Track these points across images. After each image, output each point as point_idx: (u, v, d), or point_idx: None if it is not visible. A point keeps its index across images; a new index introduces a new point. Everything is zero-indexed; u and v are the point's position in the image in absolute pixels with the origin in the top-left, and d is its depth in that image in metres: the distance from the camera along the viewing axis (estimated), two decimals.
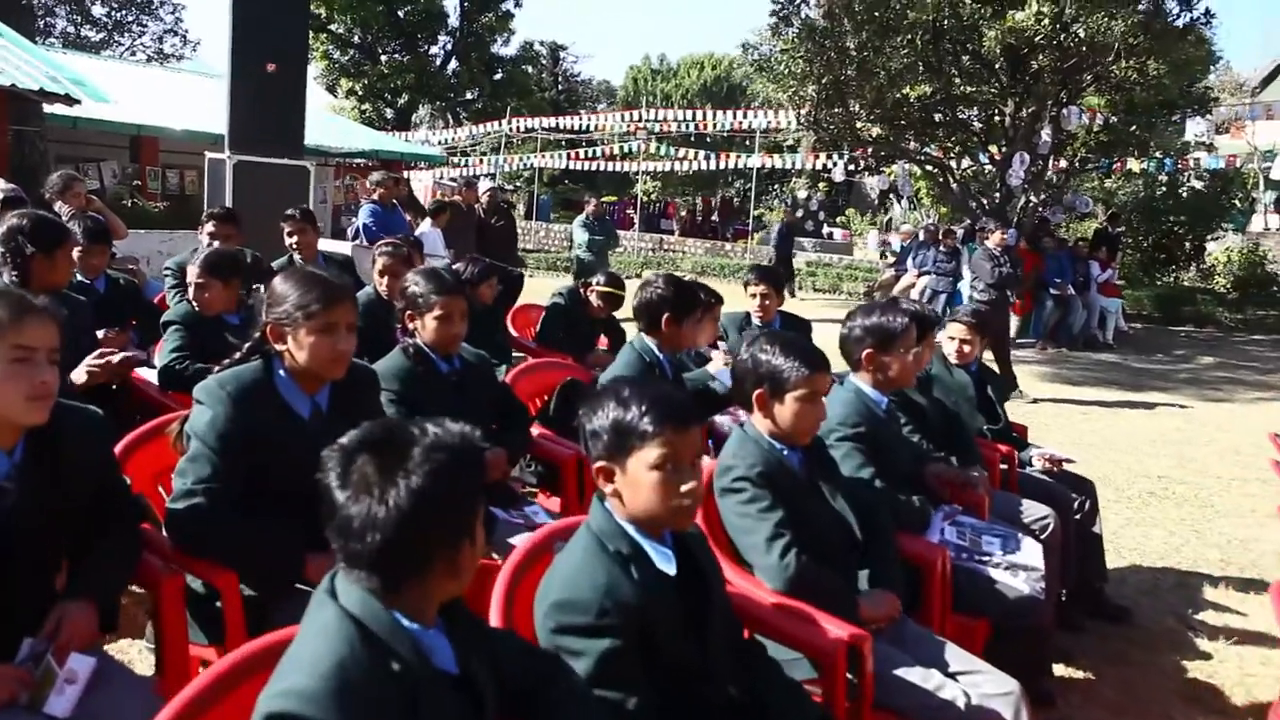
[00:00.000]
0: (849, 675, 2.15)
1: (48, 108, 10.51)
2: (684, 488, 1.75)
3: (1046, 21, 11.75)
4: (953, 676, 2.31)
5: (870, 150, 14.93)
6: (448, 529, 1.38)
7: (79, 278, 4.41)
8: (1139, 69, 12.32)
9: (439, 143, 26.49)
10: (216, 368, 2.48)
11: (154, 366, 3.89)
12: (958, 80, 13.71)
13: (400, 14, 33.29)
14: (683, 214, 31.59)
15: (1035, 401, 9.01)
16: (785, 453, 2.47)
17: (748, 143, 24.03)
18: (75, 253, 4.13)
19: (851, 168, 16.67)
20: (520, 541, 2.21)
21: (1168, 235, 19.01)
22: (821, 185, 25.90)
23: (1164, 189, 18.41)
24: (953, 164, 14.85)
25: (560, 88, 40.84)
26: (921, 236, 14.31)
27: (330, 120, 20.26)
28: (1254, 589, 4.51)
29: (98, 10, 35.18)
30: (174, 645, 2.18)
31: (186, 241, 8.90)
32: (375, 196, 8.95)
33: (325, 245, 6.91)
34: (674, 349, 3.70)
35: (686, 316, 3.65)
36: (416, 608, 1.40)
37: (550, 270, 19.21)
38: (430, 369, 3.13)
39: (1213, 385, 10.65)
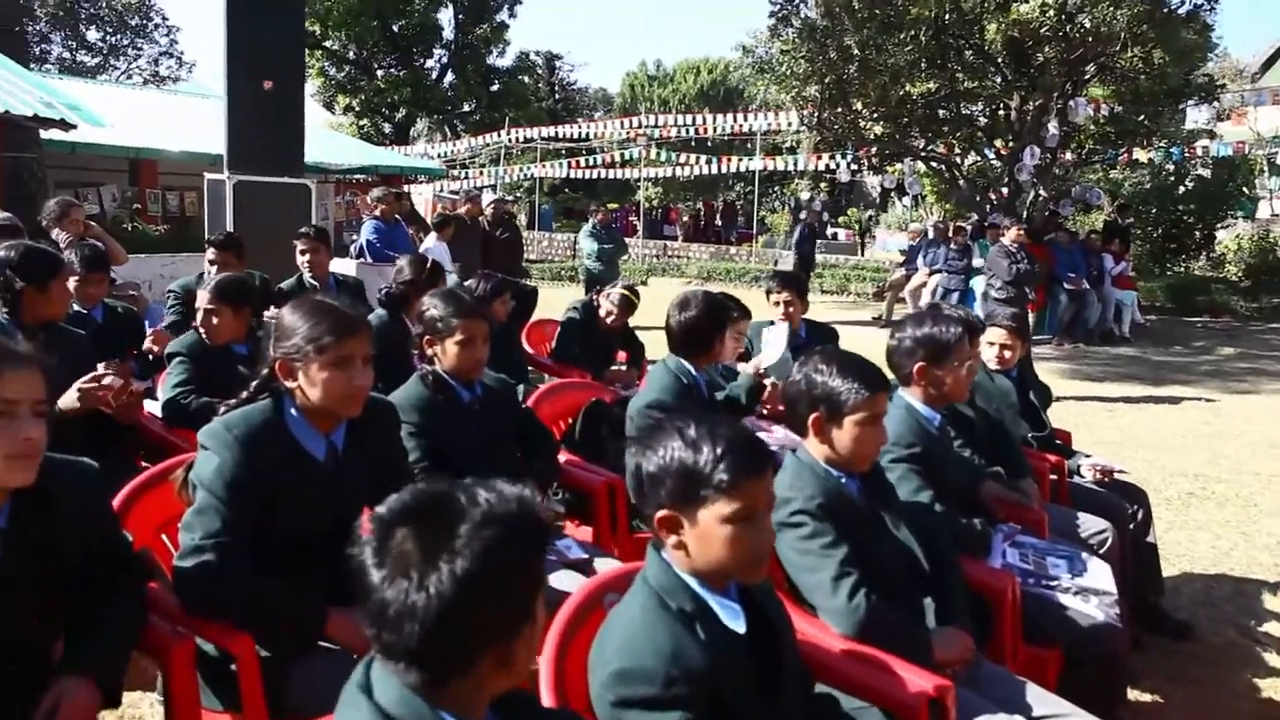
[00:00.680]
0: None
1: (45, 134, 10.37)
2: (760, 541, 1.55)
3: (1052, 13, 11.57)
4: None
5: (874, 149, 14.77)
6: (500, 618, 1.17)
7: (75, 307, 4.23)
8: (1144, 58, 12.14)
9: (438, 156, 26.36)
10: (223, 407, 2.27)
11: (156, 399, 3.71)
12: (961, 75, 13.54)
13: (395, 28, 33.20)
14: (685, 219, 31.42)
15: (1058, 399, 8.80)
16: (844, 480, 2.27)
17: (748, 146, 23.86)
18: (72, 282, 3.95)
19: (854, 167, 16.51)
20: (561, 582, 2.01)
21: (1177, 225, 18.79)
22: (823, 186, 25.72)
23: (1172, 178, 18.21)
24: (958, 160, 14.68)
25: (557, 97, 40.68)
26: (931, 234, 14.13)
27: (328, 137, 20.10)
28: None
29: (92, 35, 35.26)
30: (185, 717, 1.98)
31: (189, 265, 8.74)
32: (377, 213, 8.80)
33: (332, 266, 6.73)
34: (709, 366, 3.48)
35: (724, 334, 3.44)
36: (466, 704, 1.19)
37: (555, 280, 18.99)
38: (451, 398, 2.93)
39: (1236, 377, 10.43)
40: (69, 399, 3.01)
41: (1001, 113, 13.90)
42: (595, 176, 25.07)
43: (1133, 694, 3.36)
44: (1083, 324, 12.84)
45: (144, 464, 3.60)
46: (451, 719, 1.17)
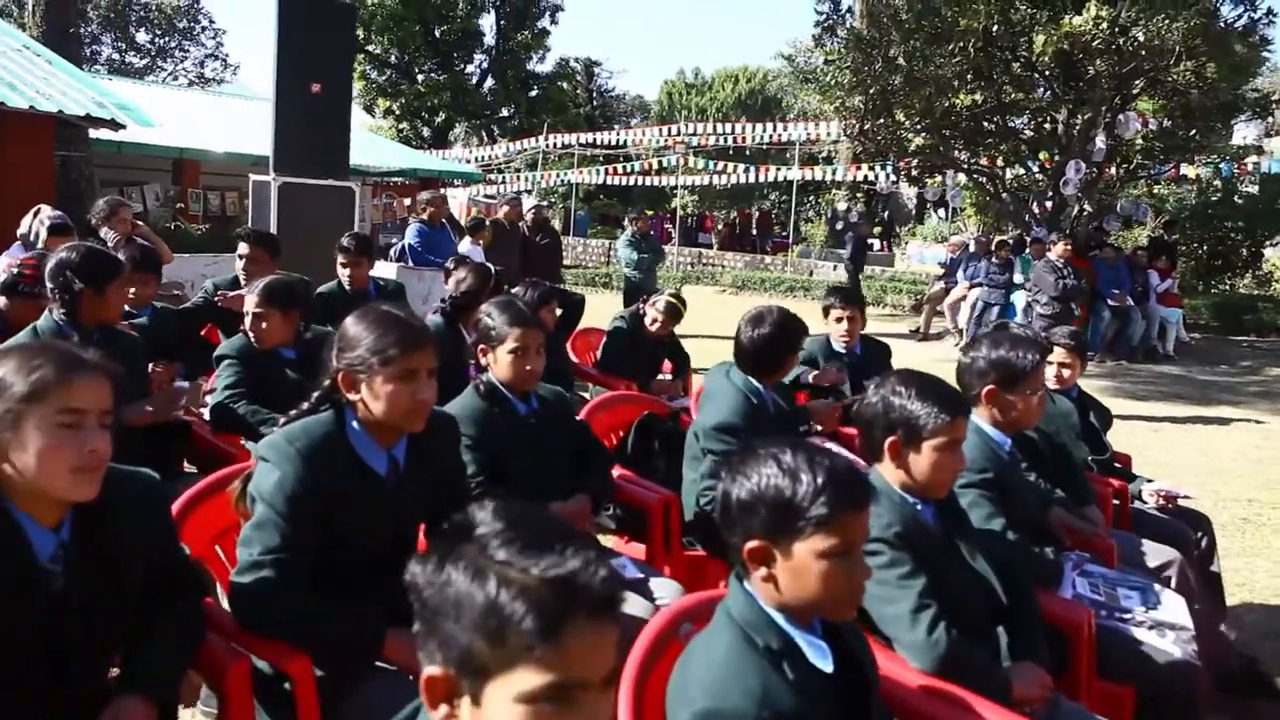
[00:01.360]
0: None
1: (93, 133, 10.50)
2: (855, 578, 1.47)
3: (1105, 25, 11.37)
4: None
5: (916, 160, 14.61)
6: None
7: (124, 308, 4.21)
8: (1196, 71, 11.91)
9: (475, 160, 26.43)
10: (282, 419, 2.22)
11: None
12: (1007, 88, 13.36)
13: (437, 33, 33.38)
14: (720, 227, 31.31)
15: None
16: (919, 507, 2.18)
17: (786, 155, 23.73)
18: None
19: (894, 179, 16.33)
20: (637, 610, 1.93)
21: (1223, 242, 18.46)
22: (860, 196, 25.54)
23: (1219, 195, 17.88)
24: (1001, 173, 14.49)
25: (595, 103, 40.74)
26: (972, 247, 13.92)
27: (368, 140, 20.21)
28: None
29: (141, 37, 35.82)
30: None
31: (230, 265, 8.75)
32: (425, 215, 8.76)
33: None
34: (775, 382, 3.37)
35: (796, 352, 3.33)
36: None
37: (589, 285, 18.94)
38: (506, 410, 2.86)
39: None
40: (137, 410, 2.99)
41: (1047, 126, 13.69)
42: (631, 184, 25.03)
43: None
44: (1126, 341, 12.61)
45: (188, 468, 3.60)
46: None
